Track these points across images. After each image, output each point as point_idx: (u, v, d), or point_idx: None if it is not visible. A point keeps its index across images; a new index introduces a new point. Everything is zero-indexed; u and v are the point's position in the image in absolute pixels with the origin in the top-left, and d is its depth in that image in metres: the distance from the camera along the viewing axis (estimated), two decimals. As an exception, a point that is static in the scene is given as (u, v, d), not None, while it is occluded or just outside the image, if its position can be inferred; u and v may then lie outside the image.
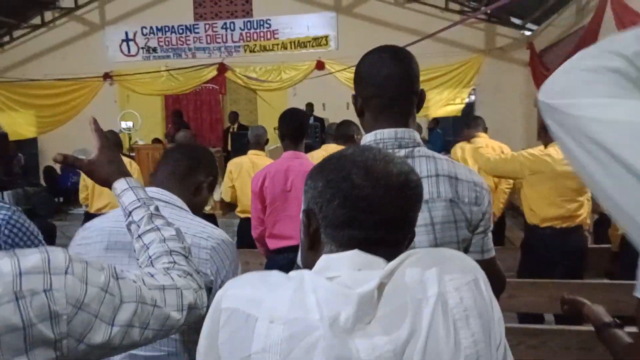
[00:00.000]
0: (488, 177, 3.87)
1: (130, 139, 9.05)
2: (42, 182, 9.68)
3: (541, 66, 8.07)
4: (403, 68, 1.32)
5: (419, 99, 1.36)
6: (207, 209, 4.63)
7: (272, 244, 3.07)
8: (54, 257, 0.76)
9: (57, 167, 8.89)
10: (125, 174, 1.17)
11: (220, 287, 1.31)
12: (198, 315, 0.97)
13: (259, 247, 3.25)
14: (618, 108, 0.59)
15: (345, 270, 0.77)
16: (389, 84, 1.30)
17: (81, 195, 4.76)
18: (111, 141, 5.34)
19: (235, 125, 9.44)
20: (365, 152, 0.84)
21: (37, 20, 10.80)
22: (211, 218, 4.74)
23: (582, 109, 0.61)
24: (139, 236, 1.07)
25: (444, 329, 0.72)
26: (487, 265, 1.35)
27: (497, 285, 1.45)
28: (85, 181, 4.71)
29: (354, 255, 0.78)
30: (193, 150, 1.62)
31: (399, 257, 0.78)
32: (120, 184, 1.15)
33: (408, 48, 1.42)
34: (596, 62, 0.64)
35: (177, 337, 1.32)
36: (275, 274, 0.80)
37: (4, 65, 11.02)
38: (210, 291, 1.30)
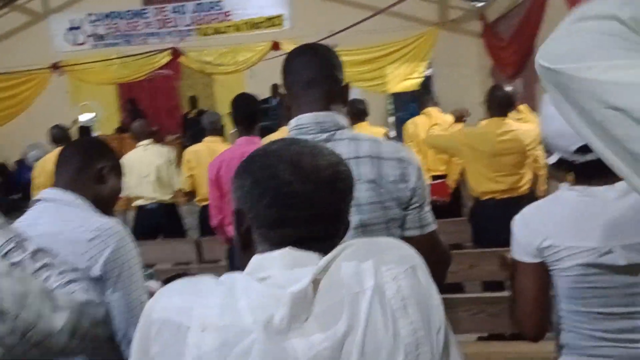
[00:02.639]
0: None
1: (90, 131, 8.76)
2: (-5, 179, 9.30)
3: (493, 37, 8.15)
4: (318, 55, 1.38)
5: (343, 90, 1.38)
6: (167, 198, 4.55)
7: (232, 232, 3.04)
8: None
9: (10, 163, 8.56)
10: None
11: (100, 274, 1.32)
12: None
13: (218, 236, 3.21)
14: (636, 70, 0.56)
15: (277, 270, 0.76)
16: (305, 68, 1.35)
17: None
18: (58, 138, 5.03)
19: (195, 111, 9.28)
20: (291, 145, 0.82)
21: (-25, 12, 10.29)
22: (171, 207, 4.68)
23: (598, 73, 0.58)
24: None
25: (382, 321, 0.72)
26: (428, 240, 1.35)
27: (442, 258, 1.43)
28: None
29: (286, 254, 0.77)
30: (82, 143, 1.68)
31: (333, 251, 0.77)
32: None
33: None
34: (599, 25, 0.61)
35: None
36: (206, 279, 0.78)
37: (-56, 60, 10.48)
38: (98, 281, 1.32)
